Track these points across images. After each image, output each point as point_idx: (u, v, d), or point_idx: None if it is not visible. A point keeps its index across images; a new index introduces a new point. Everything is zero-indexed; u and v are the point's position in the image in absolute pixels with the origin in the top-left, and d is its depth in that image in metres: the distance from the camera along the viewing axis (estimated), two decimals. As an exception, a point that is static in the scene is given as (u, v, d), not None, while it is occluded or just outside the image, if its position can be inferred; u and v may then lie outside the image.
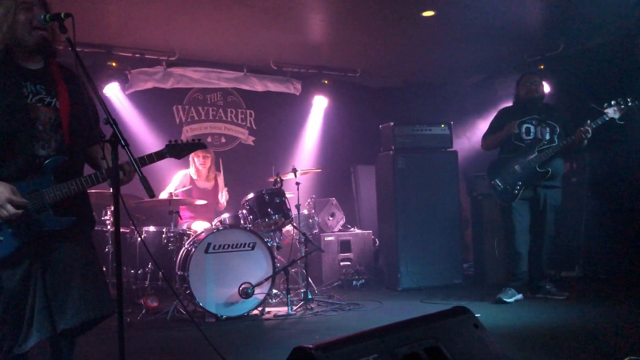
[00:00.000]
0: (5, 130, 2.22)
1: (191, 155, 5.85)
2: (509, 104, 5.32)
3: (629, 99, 4.66)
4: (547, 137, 4.89)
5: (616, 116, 4.64)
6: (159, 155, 2.52)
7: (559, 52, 6.55)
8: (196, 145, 2.71)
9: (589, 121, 4.65)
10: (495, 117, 5.21)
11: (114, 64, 6.23)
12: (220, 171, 6.02)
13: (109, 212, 5.03)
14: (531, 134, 4.93)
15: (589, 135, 4.64)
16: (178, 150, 2.62)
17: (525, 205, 4.91)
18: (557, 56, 6.60)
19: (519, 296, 4.85)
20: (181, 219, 5.53)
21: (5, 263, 2.21)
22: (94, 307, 2.29)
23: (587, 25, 5.95)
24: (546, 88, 6.63)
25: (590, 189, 5.96)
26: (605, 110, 4.66)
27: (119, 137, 2.11)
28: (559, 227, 5.28)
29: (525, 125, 4.94)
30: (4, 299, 2.22)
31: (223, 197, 5.89)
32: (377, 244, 6.69)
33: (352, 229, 6.75)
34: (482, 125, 6.36)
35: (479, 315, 4.13)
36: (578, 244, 5.92)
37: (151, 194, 2.08)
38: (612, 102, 4.67)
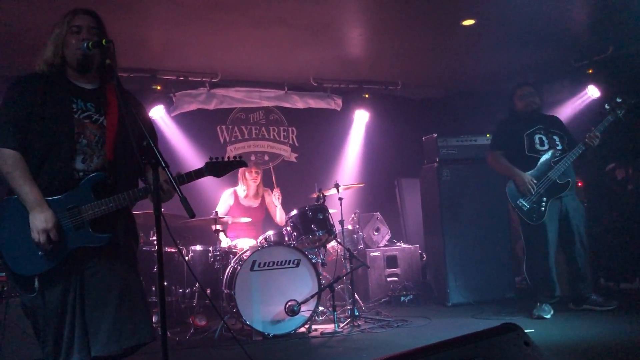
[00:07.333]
0: (47, 140, 2.30)
1: (242, 171, 5.88)
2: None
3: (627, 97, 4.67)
4: (560, 146, 4.82)
5: (620, 114, 4.63)
6: (198, 174, 2.55)
7: (608, 55, 6.31)
8: (236, 163, 2.70)
9: (593, 128, 4.64)
10: (500, 131, 5.10)
11: (158, 88, 6.38)
12: (273, 187, 5.95)
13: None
14: (545, 144, 4.84)
15: (597, 142, 4.62)
16: (217, 169, 2.62)
17: (554, 220, 4.75)
18: (606, 59, 6.36)
19: (552, 312, 4.69)
20: (227, 237, 5.58)
21: (46, 278, 2.25)
22: (127, 335, 2.28)
23: (638, 27, 5.71)
24: (596, 92, 6.46)
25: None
26: (608, 111, 4.67)
27: (158, 159, 2.14)
28: (609, 235, 5.05)
29: (537, 136, 4.86)
30: (45, 316, 2.26)
31: (278, 214, 5.89)
32: (424, 259, 6.55)
33: (398, 244, 6.64)
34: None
35: (532, 330, 4.03)
36: (638, 254, 5.63)
37: (191, 214, 2.09)
38: (618, 100, 4.65)
